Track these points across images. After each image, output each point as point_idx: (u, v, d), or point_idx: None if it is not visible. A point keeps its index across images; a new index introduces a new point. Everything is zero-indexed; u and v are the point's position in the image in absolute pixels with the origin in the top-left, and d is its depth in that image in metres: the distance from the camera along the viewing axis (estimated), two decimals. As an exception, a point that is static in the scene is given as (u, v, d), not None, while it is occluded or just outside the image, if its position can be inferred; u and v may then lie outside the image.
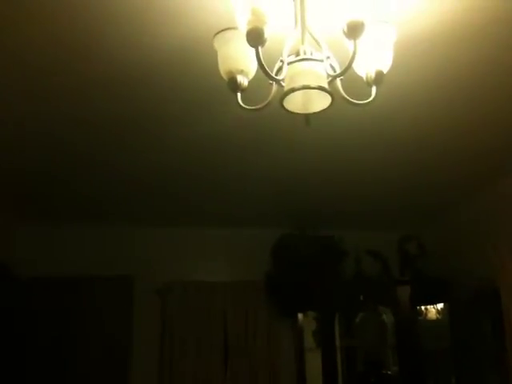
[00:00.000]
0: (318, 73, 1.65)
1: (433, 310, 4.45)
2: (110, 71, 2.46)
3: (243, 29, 1.53)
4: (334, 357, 4.19)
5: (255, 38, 1.51)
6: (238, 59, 1.72)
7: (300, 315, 4.44)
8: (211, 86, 2.40)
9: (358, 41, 1.51)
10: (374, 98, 1.75)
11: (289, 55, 1.68)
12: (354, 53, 1.52)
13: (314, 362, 4.32)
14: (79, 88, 2.60)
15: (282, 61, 1.67)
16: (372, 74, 1.71)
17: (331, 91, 1.64)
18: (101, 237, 4.53)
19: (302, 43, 1.71)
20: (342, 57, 1.65)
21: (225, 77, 1.76)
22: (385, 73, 1.73)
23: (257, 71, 1.70)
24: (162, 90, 2.65)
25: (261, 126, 2.96)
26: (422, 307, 4.42)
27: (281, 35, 1.70)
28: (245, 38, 1.53)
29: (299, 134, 2.81)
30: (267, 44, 1.53)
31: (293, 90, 1.63)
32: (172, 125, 3.01)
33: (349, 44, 1.54)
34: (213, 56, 1.81)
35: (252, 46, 1.53)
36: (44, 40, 2.22)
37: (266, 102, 1.77)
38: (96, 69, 2.43)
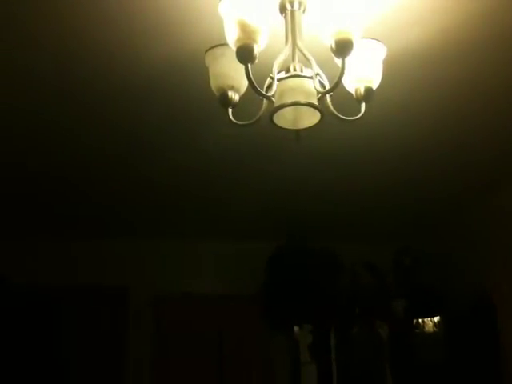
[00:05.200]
0: (307, 89, 1.66)
1: (430, 323, 4.41)
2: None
3: (233, 46, 1.54)
4: (329, 370, 4.16)
5: (245, 55, 1.52)
6: (229, 75, 1.73)
7: (296, 328, 4.42)
8: (202, 103, 2.43)
9: (346, 59, 1.52)
10: (363, 115, 1.76)
11: (279, 72, 1.69)
12: (342, 71, 1.53)
13: (309, 376, 4.29)
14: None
15: (271, 77, 1.68)
16: (361, 91, 1.72)
17: (320, 108, 1.65)
18: (96, 248, 4.51)
19: (293, 60, 1.72)
20: (332, 73, 1.66)
21: (216, 92, 1.78)
22: (374, 89, 1.74)
23: (248, 87, 1.71)
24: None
25: (254, 140, 2.97)
26: (420, 320, 4.39)
27: (271, 52, 1.71)
28: (235, 55, 1.54)
29: (293, 148, 2.82)
30: (258, 60, 1.54)
31: (282, 107, 1.65)
32: (169, 141, 3.05)
33: (337, 62, 1.55)
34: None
35: (242, 63, 1.54)
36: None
37: (257, 117, 1.78)
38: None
